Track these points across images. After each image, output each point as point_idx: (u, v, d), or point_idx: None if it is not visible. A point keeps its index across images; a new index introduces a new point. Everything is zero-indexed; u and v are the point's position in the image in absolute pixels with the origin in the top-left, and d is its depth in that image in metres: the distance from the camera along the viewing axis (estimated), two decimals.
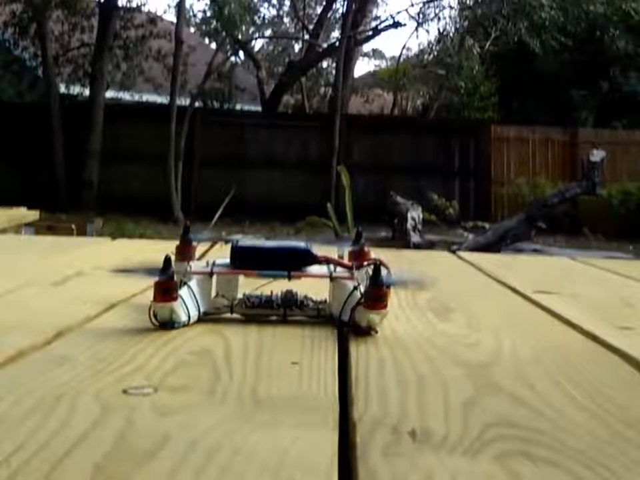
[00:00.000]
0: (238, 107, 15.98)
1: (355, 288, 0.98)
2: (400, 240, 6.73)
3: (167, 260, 0.92)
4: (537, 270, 2.15)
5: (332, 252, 1.34)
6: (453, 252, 3.04)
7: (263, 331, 0.98)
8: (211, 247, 1.81)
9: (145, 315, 1.04)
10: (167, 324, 0.94)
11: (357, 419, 0.63)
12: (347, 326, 0.98)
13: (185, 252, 1.12)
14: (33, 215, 4.89)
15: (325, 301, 1.05)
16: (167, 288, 0.92)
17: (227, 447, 0.56)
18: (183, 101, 13.58)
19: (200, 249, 1.75)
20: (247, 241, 1.08)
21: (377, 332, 0.96)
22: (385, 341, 0.95)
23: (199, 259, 1.70)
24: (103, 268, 1.60)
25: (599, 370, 0.88)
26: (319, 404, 0.67)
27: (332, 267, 1.05)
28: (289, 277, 1.02)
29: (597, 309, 1.33)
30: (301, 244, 1.07)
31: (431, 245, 6.89)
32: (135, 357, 0.82)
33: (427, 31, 33.45)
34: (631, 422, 0.67)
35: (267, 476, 0.51)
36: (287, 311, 1.02)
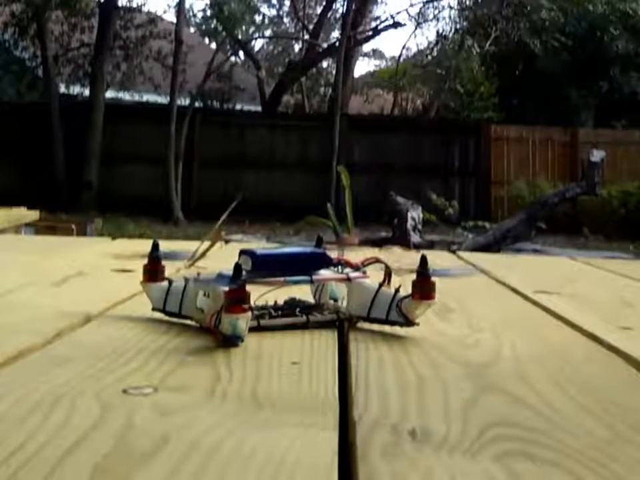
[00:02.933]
0: (238, 106, 15.99)
1: (381, 285, 0.99)
2: (400, 240, 6.73)
3: (238, 267, 0.87)
4: (537, 270, 2.15)
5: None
6: (453, 252, 3.04)
7: (262, 330, 0.98)
8: (210, 247, 1.81)
9: (145, 314, 1.04)
10: (233, 339, 0.87)
11: (357, 419, 0.63)
12: (385, 322, 0.98)
13: (152, 272, 1.03)
14: (33, 215, 4.89)
15: (321, 304, 1.05)
16: (240, 298, 0.86)
17: (226, 447, 0.56)
18: (183, 101, 13.59)
19: (202, 247, 1.75)
20: (252, 246, 1.05)
21: (418, 324, 0.97)
22: (385, 340, 0.95)
23: (199, 258, 1.70)
24: (103, 268, 1.60)
25: (599, 370, 0.88)
26: (319, 404, 0.67)
27: (339, 268, 1.04)
28: (312, 282, 1.02)
29: (597, 309, 1.33)
30: (315, 249, 1.06)
31: (431, 245, 6.88)
32: (134, 357, 0.82)
33: (424, 32, 33.43)
34: (631, 422, 0.67)
35: (266, 476, 0.51)
36: (309, 317, 1.00)
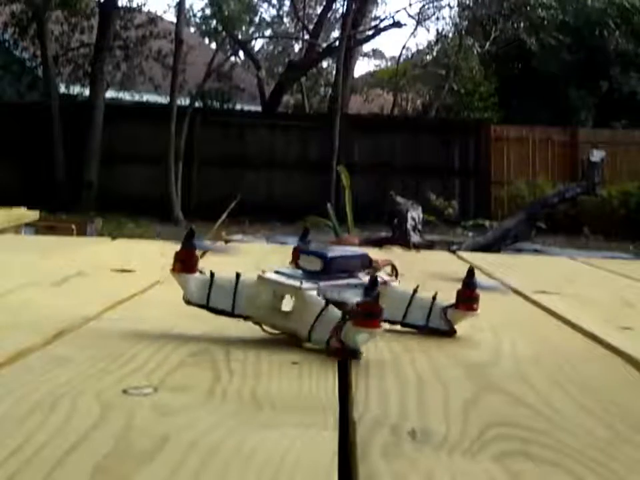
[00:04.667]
0: (238, 106, 15.99)
1: (415, 290, 0.98)
2: (400, 240, 6.73)
3: (374, 281, 0.84)
4: (537, 270, 2.15)
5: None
6: (453, 252, 3.04)
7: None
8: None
9: (144, 313, 1.04)
10: (357, 352, 0.85)
11: (357, 419, 0.63)
12: (423, 329, 0.98)
13: (187, 261, 0.94)
14: (33, 215, 4.89)
15: None
16: (376, 312, 0.83)
17: (227, 446, 0.56)
18: (183, 101, 13.59)
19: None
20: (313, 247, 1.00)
21: (456, 332, 0.98)
22: (385, 341, 0.95)
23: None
24: (103, 268, 1.60)
25: (599, 370, 0.88)
26: (319, 404, 0.67)
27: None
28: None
29: (597, 309, 1.33)
30: (358, 250, 1.05)
31: (430, 245, 6.89)
32: (135, 357, 0.82)
33: (427, 30, 33.45)
34: (630, 422, 0.67)
35: (266, 476, 0.51)
36: None
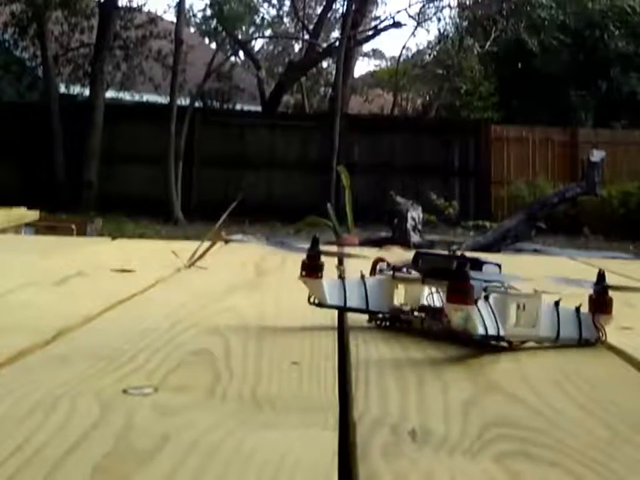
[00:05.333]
0: (238, 107, 16.00)
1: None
2: (400, 240, 6.73)
3: (602, 274, 0.95)
4: (537, 270, 2.15)
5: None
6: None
7: (262, 330, 0.98)
8: (210, 247, 1.81)
9: (144, 313, 1.04)
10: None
11: (357, 419, 0.63)
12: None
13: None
14: (33, 215, 4.89)
15: None
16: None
17: (227, 447, 0.56)
18: (183, 101, 13.59)
19: (200, 249, 1.74)
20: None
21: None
22: (385, 340, 0.95)
23: (199, 258, 1.70)
24: (103, 268, 1.60)
25: (599, 370, 0.88)
26: (318, 404, 0.67)
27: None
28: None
29: None
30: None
31: (431, 245, 6.89)
32: (135, 357, 0.82)
33: (427, 31, 33.45)
34: (631, 422, 0.67)
35: (266, 476, 0.51)
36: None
